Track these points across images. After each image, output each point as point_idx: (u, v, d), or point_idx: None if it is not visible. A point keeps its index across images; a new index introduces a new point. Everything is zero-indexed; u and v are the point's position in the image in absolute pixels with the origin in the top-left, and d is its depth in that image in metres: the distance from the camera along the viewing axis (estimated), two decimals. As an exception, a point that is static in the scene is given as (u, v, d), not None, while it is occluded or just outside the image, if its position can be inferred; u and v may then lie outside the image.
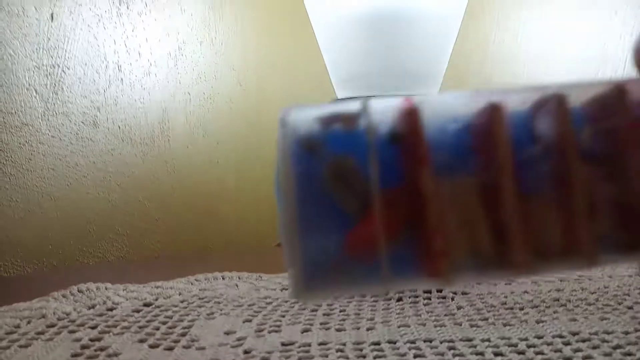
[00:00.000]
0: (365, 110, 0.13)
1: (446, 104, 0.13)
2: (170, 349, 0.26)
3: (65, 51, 0.50)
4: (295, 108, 0.13)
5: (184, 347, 0.26)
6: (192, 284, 0.35)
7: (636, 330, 0.28)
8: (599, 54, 0.58)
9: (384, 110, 0.13)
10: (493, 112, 0.12)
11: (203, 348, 0.26)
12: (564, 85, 0.13)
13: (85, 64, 0.51)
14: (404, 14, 0.44)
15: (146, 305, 0.32)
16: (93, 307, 0.31)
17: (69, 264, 0.51)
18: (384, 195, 0.12)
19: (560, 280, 0.37)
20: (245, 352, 0.26)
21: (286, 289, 0.35)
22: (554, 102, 0.13)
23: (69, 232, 0.51)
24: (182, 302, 0.32)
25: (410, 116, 0.12)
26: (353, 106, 0.13)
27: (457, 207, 0.12)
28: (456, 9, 0.46)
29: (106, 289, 0.33)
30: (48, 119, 0.49)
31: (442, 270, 0.12)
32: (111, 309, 0.31)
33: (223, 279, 0.37)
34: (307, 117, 0.13)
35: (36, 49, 0.48)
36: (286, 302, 0.33)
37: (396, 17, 0.44)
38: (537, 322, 0.29)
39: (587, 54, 0.59)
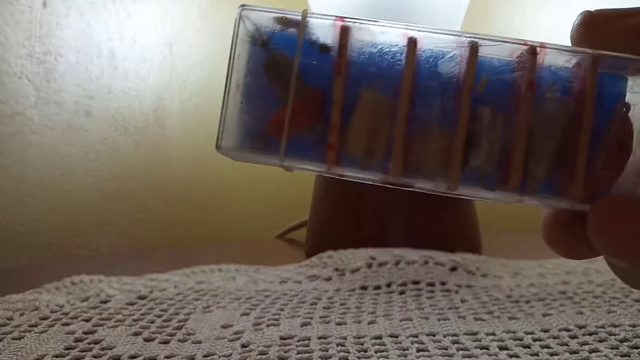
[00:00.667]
0: (305, 19, 0.16)
1: (372, 31, 0.16)
2: (166, 342, 0.26)
3: (58, 38, 0.49)
4: (252, 7, 0.17)
5: (179, 340, 0.26)
6: (188, 276, 0.35)
7: (645, 324, 0.28)
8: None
9: (322, 25, 0.16)
10: (409, 44, 0.15)
11: (199, 342, 0.26)
12: (481, 36, 0.15)
13: (78, 52, 0.51)
14: (405, 7, 0.43)
15: (141, 298, 0.31)
16: (86, 299, 0.31)
17: (62, 256, 0.50)
18: (302, 90, 0.15)
19: (567, 273, 0.36)
20: (243, 346, 0.26)
21: (285, 282, 0.35)
22: (465, 48, 0.15)
23: (62, 223, 0.50)
24: (177, 294, 0.32)
25: (342, 33, 0.16)
26: (297, 15, 0.16)
27: (358, 114, 0.15)
28: (458, 2, 0.46)
29: (100, 281, 0.33)
30: (40, 108, 0.49)
31: (330, 159, 0.15)
32: (105, 302, 0.31)
33: (220, 271, 0.36)
34: (261, 16, 0.16)
35: (28, 36, 0.48)
36: (285, 295, 0.33)
37: (398, 9, 0.43)
38: (544, 315, 0.29)
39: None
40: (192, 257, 0.45)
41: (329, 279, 0.35)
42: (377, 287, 0.34)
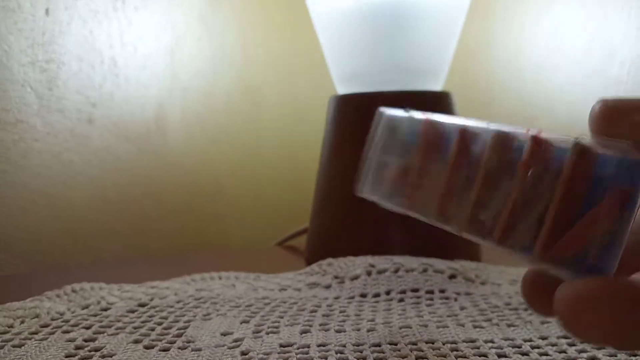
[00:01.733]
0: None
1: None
2: (166, 350, 0.26)
3: (60, 46, 0.50)
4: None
5: (179, 348, 0.26)
6: (188, 284, 0.35)
7: None
8: (605, 50, 0.58)
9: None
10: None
11: (199, 349, 0.26)
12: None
13: (81, 59, 0.51)
14: (406, 10, 0.43)
15: (141, 305, 0.31)
16: (87, 307, 0.31)
17: (63, 263, 0.50)
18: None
19: (565, 280, 0.36)
20: (243, 353, 0.26)
21: (284, 289, 0.35)
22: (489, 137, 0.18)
23: (64, 231, 0.51)
24: (178, 302, 0.32)
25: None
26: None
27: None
28: (459, 4, 0.46)
29: (100, 288, 0.33)
30: (43, 116, 0.49)
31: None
32: (105, 309, 0.31)
33: (220, 278, 0.36)
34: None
35: (31, 44, 0.48)
36: (284, 302, 0.33)
37: (399, 12, 0.43)
38: (542, 323, 0.29)
39: (592, 50, 0.58)
40: (193, 264, 0.45)
41: (328, 287, 0.35)
42: (377, 295, 0.34)
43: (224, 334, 0.28)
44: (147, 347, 0.26)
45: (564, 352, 0.25)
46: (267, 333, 0.28)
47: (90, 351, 0.25)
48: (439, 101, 0.44)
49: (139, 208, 0.55)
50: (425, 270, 0.36)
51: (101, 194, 0.53)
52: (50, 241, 0.50)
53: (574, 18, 0.59)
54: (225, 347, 0.26)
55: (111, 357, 0.25)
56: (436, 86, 0.47)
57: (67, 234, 0.51)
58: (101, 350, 0.25)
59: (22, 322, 0.28)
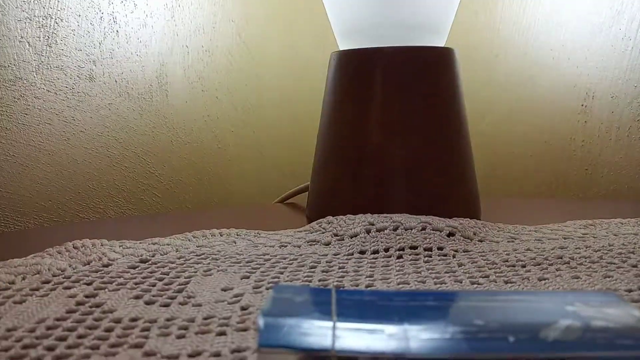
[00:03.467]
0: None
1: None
2: (166, 305, 0.26)
3: (58, 2, 0.48)
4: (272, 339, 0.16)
5: (180, 303, 0.26)
6: (189, 240, 0.35)
7: (639, 288, 0.27)
8: (614, 6, 0.55)
9: None
10: None
11: (199, 305, 0.26)
12: None
13: (79, 15, 0.49)
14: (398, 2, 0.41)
15: (142, 261, 0.31)
16: (88, 263, 0.30)
17: (68, 219, 0.50)
18: None
19: (564, 238, 0.36)
20: (243, 308, 0.25)
21: (284, 246, 0.35)
22: None
23: (68, 188, 0.50)
24: (179, 258, 0.32)
25: None
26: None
27: None
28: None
29: (102, 245, 0.32)
30: (42, 73, 0.48)
31: None
32: (107, 265, 0.30)
33: (221, 235, 0.36)
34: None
35: (28, 0, 0.46)
36: (284, 258, 0.32)
37: (390, 3, 0.41)
38: (539, 279, 0.29)
39: (600, 7, 0.56)
40: (195, 221, 0.44)
41: (328, 244, 0.35)
42: (375, 252, 0.33)
43: (224, 290, 0.27)
44: (147, 303, 0.26)
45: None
46: (267, 288, 0.27)
47: (91, 307, 0.25)
48: (441, 57, 0.43)
49: (143, 166, 0.54)
50: (423, 229, 0.36)
51: (103, 151, 0.52)
52: (54, 198, 0.49)
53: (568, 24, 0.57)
54: (226, 302, 0.26)
55: (112, 312, 0.24)
56: (439, 42, 0.45)
57: (70, 191, 0.50)
58: (102, 306, 0.25)
59: (24, 278, 0.28)
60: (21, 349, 0.21)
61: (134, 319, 0.24)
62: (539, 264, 0.31)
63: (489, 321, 0.17)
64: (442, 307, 0.19)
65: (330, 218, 0.38)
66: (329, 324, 0.17)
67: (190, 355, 0.20)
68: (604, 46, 0.56)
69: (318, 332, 0.16)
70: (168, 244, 0.34)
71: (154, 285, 0.28)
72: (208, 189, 0.59)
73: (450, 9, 0.44)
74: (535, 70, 0.60)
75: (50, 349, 0.21)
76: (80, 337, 0.22)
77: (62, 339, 0.21)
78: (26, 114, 0.47)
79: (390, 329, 0.17)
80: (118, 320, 0.23)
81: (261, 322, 0.17)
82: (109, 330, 0.22)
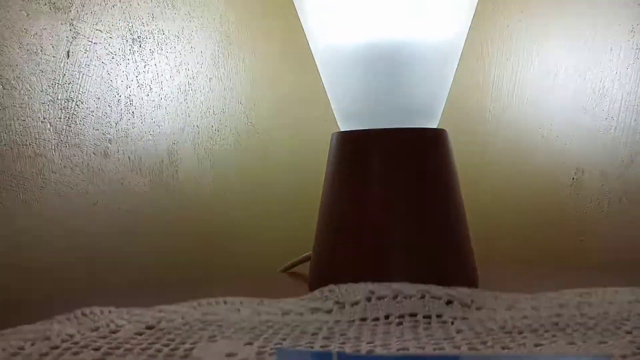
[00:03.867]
0: None
1: None
2: (172, 370, 0.26)
3: (80, 86, 0.51)
4: None
5: (185, 368, 0.26)
6: (194, 308, 0.35)
7: (634, 354, 0.27)
8: (597, 89, 0.59)
9: None
10: None
11: (204, 369, 0.26)
12: None
13: (98, 98, 0.52)
14: (404, 52, 0.45)
15: (149, 328, 0.32)
16: (96, 329, 0.31)
17: (80, 290, 0.51)
18: None
19: (560, 306, 0.36)
20: (246, 373, 0.26)
21: (287, 313, 0.35)
22: None
23: (80, 260, 0.51)
24: (184, 325, 0.32)
25: None
26: None
27: None
28: (454, 46, 0.47)
29: (110, 312, 0.33)
30: (61, 150, 0.50)
31: None
32: (114, 332, 0.31)
33: (225, 303, 0.37)
34: None
35: (52, 84, 0.50)
36: (287, 325, 0.33)
37: (396, 54, 0.45)
38: (535, 345, 0.29)
39: (584, 89, 0.60)
40: (201, 291, 0.45)
41: (329, 311, 0.35)
42: (376, 319, 0.34)
43: (228, 355, 0.28)
44: (153, 367, 0.26)
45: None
46: (270, 354, 0.28)
47: (98, 370, 0.25)
48: (434, 138, 0.45)
49: (150, 237, 0.56)
50: (423, 297, 0.36)
51: (115, 223, 0.53)
52: (66, 270, 0.50)
53: (566, 58, 0.61)
54: (229, 367, 0.26)
55: (119, 376, 0.25)
56: (432, 124, 0.48)
57: (82, 262, 0.51)
58: (109, 370, 0.25)
59: (33, 344, 0.28)
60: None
61: (141, 382, 0.24)
62: (535, 330, 0.31)
63: None
64: None
65: (332, 286, 0.39)
66: None
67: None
68: (590, 125, 0.59)
69: None
70: (174, 311, 0.34)
71: (160, 351, 0.28)
72: (215, 261, 0.60)
73: (442, 93, 0.47)
74: (525, 147, 0.63)
75: (59, 408, 0.21)
76: (88, 398, 0.22)
77: (71, 399, 0.22)
78: (43, 188, 0.49)
79: None
80: (125, 383, 0.24)
81: None
82: (116, 391, 0.23)
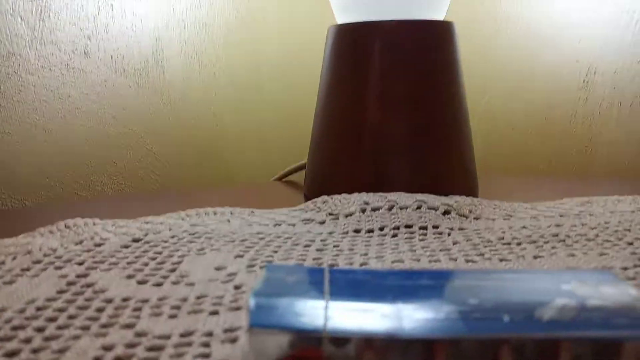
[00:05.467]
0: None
1: None
2: (159, 284, 0.25)
3: (50, -25, 0.47)
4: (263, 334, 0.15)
5: (172, 282, 0.25)
6: (183, 219, 0.34)
7: (635, 266, 0.27)
8: (631, 12, 0.54)
9: None
10: None
11: (192, 284, 0.25)
12: None
13: (72, -11, 0.48)
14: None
15: (135, 240, 0.31)
16: (80, 242, 0.30)
17: (67, 197, 0.50)
18: None
19: (561, 216, 0.35)
20: (236, 287, 0.25)
21: (279, 224, 0.34)
22: None
23: (66, 166, 0.49)
24: (172, 237, 0.31)
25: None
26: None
27: None
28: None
29: (94, 224, 0.32)
30: (36, 48, 0.47)
31: None
32: (99, 245, 0.30)
33: (215, 214, 0.35)
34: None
35: (18, -27, 0.45)
36: (279, 237, 0.32)
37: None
38: (534, 257, 0.28)
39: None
40: (192, 199, 0.44)
41: (322, 223, 0.34)
42: (370, 231, 0.33)
43: (217, 269, 0.27)
44: (140, 282, 0.25)
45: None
46: (261, 267, 0.27)
47: (82, 287, 0.25)
48: (440, 31, 0.41)
49: (141, 143, 0.54)
50: (419, 207, 0.35)
51: (102, 129, 0.51)
52: (51, 176, 0.49)
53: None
54: (219, 281, 0.26)
55: (103, 292, 0.24)
56: (438, 16, 0.44)
57: (67, 168, 0.50)
58: (93, 286, 0.25)
59: (14, 258, 0.28)
60: (10, 330, 0.20)
61: (125, 299, 0.23)
62: (535, 242, 0.30)
63: (484, 300, 0.17)
64: (436, 286, 0.18)
65: (325, 197, 0.38)
66: (322, 303, 0.16)
67: (182, 335, 0.20)
68: (608, 20, 0.55)
69: (310, 312, 0.16)
70: (161, 223, 0.33)
71: (146, 265, 0.28)
72: (207, 168, 0.59)
73: (449, -19, 0.43)
74: (537, 44, 0.59)
75: (40, 329, 0.20)
76: (70, 317, 0.21)
77: (52, 319, 0.21)
78: (20, 91, 0.46)
79: (384, 308, 0.16)
80: (110, 300, 0.23)
81: (252, 302, 0.16)
82: (100, 310, 0.22)
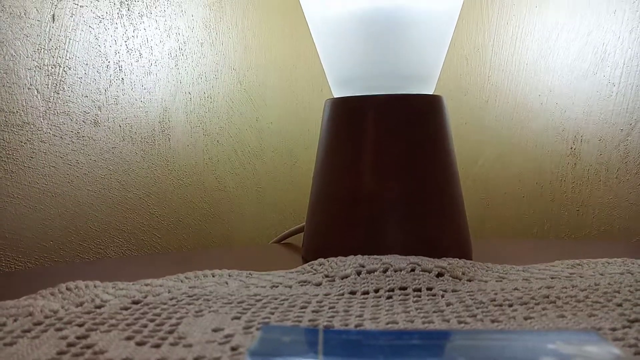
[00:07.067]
0: None
1: None
2: (157, 346, 0.25)
3: (67, 51, 0.49)
4: None
5: (171, 344, 0.26)
6: (181, 281, 0.35)
7: (623, 327, 0.27)
8: (598, 53, 0.57)
9: None
10: None
11: (190, 345, 0.25)
12: None
13: (86, 64, 0.51)
14: (398, 16, 0.43)
15: (134, 302, 0.31)
16: (81, 304, 0.30)
17: (70, 260, 0.50)
18: None
19: (552, 278, 0.36)
20: (233, 348, 0.25)
21: (276, 286, 0.35)
22: None
23: (70, 229, 0.50)
24: (170, 299, 0.32)
25: None
26: None
27: None
28: (451, 10, 0.45)
29: (95, 286, 0.32)
30: (49, 118, 0.49)
31: None
32: (99, 307, 0.30)
33: (213, 276, 0.36)
34: None
35: (38, 49, 0.48)
36: (276, 299, 0.32)
37: (390, 19, 0.43)
38: (525, 318, 0.28)
39: (585, 54, 0.57)
40: (192, 261, 0.44)
41: (319, 284, 0.35)
42: (366, 293, 0.33)
43: (215, 330, 0.27)
44: (139, 344, 0.26)
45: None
46: (257, 329, 0.27)
47: (82, 348, 0.25)
48: (430, 104, 0.44)
49: (144, 207, 0.55)
50: (413, 270, 0.35)
51: (106, 193, 0.52)
52: (55, 239, 0.50)
53: (567, 22, 0.58)
54: (216, 342, 0.26)
55: (103, 353, 0.24)
56: (428, 90, 0.46)
57: (73, 232, 0.50)
58: (93, 347, 0.25)
59: (15, 320, 0.28)
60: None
61: (123, 360, 0.23)
62: (526, 303, 0.31)
63: (473, 359, 0.17)
64: (426, 346, 0.19)
65: (322, 260, 0.38)
66: None
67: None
68: (590, 91, 0.57)
69: None
70: (160, 285, 0.34)
71: (145, 327, 0.28)
72: (207, 230, 0.59)
73: (438, 58, 0.45)
74: (524, 114, 0.61)
75: (37, 390, 0.21)
76: (68, 378, 0.22)
77: (50, 380, 0.21)
78: (32, 158, 0.48)
79: None
80: (107, 361, 0.23)
81: None
82: (97, 371, 0.22)
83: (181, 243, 0.57)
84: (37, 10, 0.47)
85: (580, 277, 0.35)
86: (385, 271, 0.35)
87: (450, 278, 0.35)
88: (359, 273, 0.35)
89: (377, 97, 0.43)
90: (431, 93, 0.46)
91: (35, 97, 0.48)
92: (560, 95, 0.59)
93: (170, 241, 0.57)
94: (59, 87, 0.49)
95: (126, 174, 0.53)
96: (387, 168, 0.42)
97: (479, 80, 0.64)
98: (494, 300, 0.32)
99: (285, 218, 0.64)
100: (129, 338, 0.26)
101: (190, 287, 0.33)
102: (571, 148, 0.59)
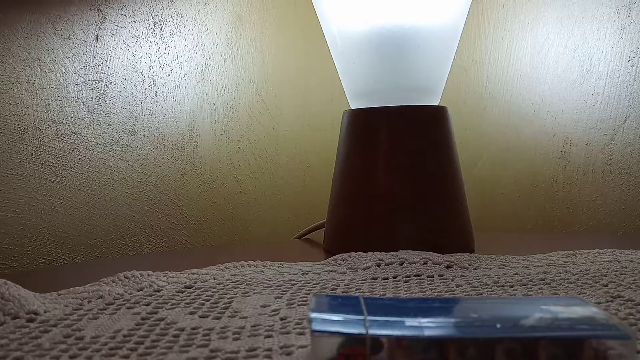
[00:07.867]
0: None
1: None
2: (218, 318, 0.29)
3: (108, 68, 0.54)
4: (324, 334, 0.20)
5: (229, 316, 0.29)
6: (223, 270, 0.39)
7: (607, 301, 0.31)
8: (584, 66, 0.61)
9: None
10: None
11: (245, 317, 0.29)
12: None
13: (125, 79, 0.55)
14: (408, 36, 0.47)
15: (187, 287, 0.35)
16: (142, 289, 0.34)
17: (110, 256, 0.54)
18: None
19: (548, 265, 0.40)
20: (282, 319, 0.29)
21: (306, 273, 0.39)
22: None
23: (111, 228, 0.54)
24: (218, 284, 0.36)
25: None
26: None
27: None
28: (454, 29, 0.50)
29: (149, 275, 0.36)
30: (93, 128, 0.53)
31: None
32: (158, 291, 0.34)
33: (249, 266, 0.40)
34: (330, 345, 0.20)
35: (83, 67, 0.52)
36: (308, 283, 0.36)
37: (402, 38, 0.47)
38: (524, 295, 0.33)
39: (573, 67, 0.62)
40: (221, 256, 0.48)
41: (344, 273, 0.39)
42: (385, 279, 0.38)
43: (263, 306, 0.31)
44: (202, 317, 0.29)
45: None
46: (299, 305, 0.31)
47: (155, 321, 0.29)
48: (436, 114, 0.48)
49: (175, 208, 0.59)
50: (425, 263, 0.40)
51: (142, 196, 0.56)
52: (99, 237, 0.54)
53: (556, 38, 0.63)
54: (267, 315, 0.30)
55: (175, 324, 0.28)
56: (434, 101, 0.50)
57: (113, 230, 0.55)
58: (165, 320, 0.29)
59: (89, 301, 0.32)
60: (108, 350, 0.24)
61: (195, 328, 0.27)
62: (525, 285, 0.35)
63: (482, 314, 0.22)
64: (445, 307, 0.23)
65: (344, 255, 0.42)
66: (362, 317, 0.21)
67: (248, 351, 0.24)
68: (578, 100, 0.62)
69: (354, 322, 0.21)
70: (206, 274, 0.38)
71: (203, 305, 0.32)
72: (230, 229, 0.63)
73: (443, 72, 0.50)
74: (518, 121, 0.66)
75: (133, 349, 0.25)
76: (154, 340, 0.26)
77: (140, 342, 0.25)
78: (78, 164, 0.52)
79: (408, 320, 0.21)
80: (182, 329, 0.27)
81: (312, 315, 0.21)
82: (177, 335, 0.26)
83: (206, 241, 0.61)
84: (83, 31, 0.52)
85: (574, 264, 0.40)
86: (401, 264, 0.40)
87: (459, 268, 0.39)
88: (378, 265, 0.40)
89: (389, 108, 0.47)
90: (437, 104, 0.51)
91: (81, 109, 0.52)
92: (551, 104, 0.64)
93: (197, 239, 0.61)
94: (101, 100, 0.53)
95: (159, 178, 0.58)
96: (399, 170, 0.47)
97: (477, 90, 0.68)
98: (497, 282, 0.36)
99: (298, 217, 0.68)
100: (192, 313, 0.30)
101: (232, 275, 0.38)
102: (561, 151, 0.63)
